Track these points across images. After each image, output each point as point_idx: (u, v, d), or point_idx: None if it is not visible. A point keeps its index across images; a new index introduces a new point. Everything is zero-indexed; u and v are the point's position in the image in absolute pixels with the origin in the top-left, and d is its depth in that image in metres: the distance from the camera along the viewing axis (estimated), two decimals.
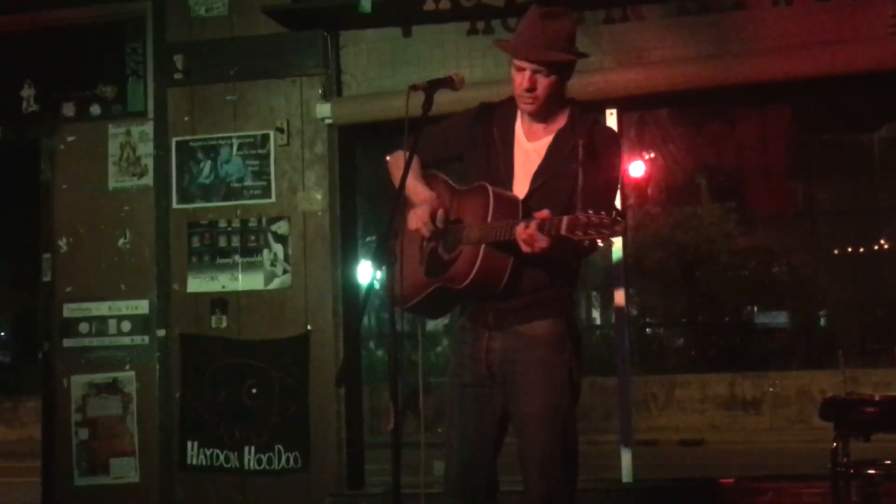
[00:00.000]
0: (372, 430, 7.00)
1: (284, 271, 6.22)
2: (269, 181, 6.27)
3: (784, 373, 14.13)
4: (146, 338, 6.37)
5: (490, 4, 5.78)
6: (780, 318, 18.18)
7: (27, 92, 6.62)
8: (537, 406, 3.43)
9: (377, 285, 3.30)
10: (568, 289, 3.55)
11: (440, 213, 3.51)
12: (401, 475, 3.17)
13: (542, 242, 3.10)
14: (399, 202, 3.44)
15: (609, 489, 5.87)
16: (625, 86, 5.78)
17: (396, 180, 3.59)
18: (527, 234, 3.12)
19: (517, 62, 3.43)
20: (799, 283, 17.50)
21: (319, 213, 6.21)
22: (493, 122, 3.59)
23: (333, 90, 6.23)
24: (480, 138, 3.59)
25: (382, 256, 3.23)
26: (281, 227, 6.24)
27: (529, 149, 3.52)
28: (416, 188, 3.60)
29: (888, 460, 4.94)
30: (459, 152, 3.67)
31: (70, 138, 6.55)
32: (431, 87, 3.45)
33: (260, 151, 6.29)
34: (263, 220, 6.28)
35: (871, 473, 4.89)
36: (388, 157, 3.79)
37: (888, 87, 5.84)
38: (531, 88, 3.41)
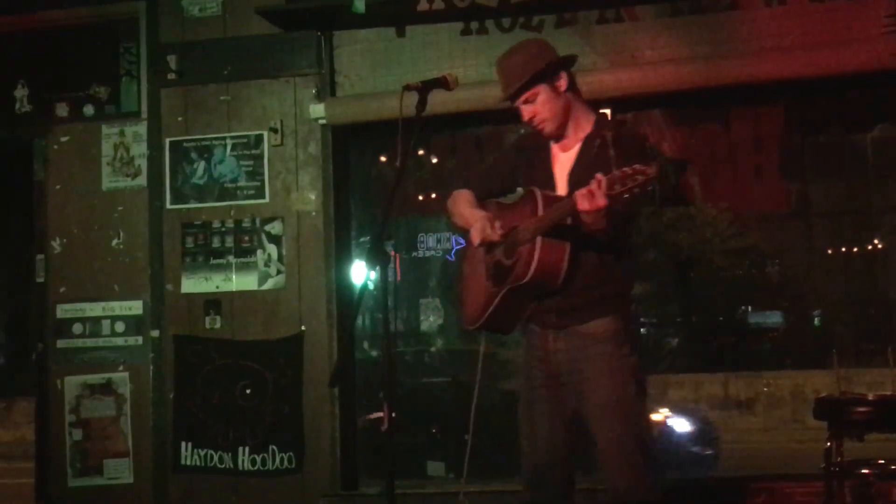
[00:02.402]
0: (366, 430, 6.98)
1: (278, 272, 6.21)
2: (262, 181, 6.27)
3: (778, 372, 14.16)
4: (140, 338, 6.36)
5: (484, 5, 5.77)
6: (774, 318, 18.19)
7: (20, 92, 6.61)
8: (604, 398, 3.54)
9: (371, 286, 3.32)
10: (624, 287, 3.70)
11: (497, 222, 3.63)
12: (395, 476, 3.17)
13: (601, 200, 3.19)
14: (393, 203, 3.45)
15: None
16: (618, 86, 5.77)
17: (455, 215, 3.89)
18: (587, 190, 3.23)
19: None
20: (792, 283, 17.54)
21: (313, 214, 6.21)
22: (533, 147, 3.81)
23: (327, 90, 6.23)
24: (525, 164, 3.82)
25: (376, 257, 3.24)
26: (275, 228, 6.24)
27: (564, 158, 3.71)
28: (471, 213, 3.80)
29: (882, 460, 4.94)
30: (509, 183, 3.90)
31: (63, 139, 6.54)
32: (425, 87, 3.53)
33: (254, 152, 6.29)
34: (257, 221, 6.27)
35: (865, 473, 4.88)
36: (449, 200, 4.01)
37: (882, 88, 5.84)
38: (531, 118, 3.67)
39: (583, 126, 3.70)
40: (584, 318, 3.59)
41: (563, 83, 3.66)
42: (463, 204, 3.87)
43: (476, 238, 3.69)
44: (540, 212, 3.50)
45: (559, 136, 3.71)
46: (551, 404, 3.66)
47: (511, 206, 3.75)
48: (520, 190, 3.85)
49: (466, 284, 3.91)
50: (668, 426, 9.15)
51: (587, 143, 3.66)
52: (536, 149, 3.79)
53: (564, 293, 3.54)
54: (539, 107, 3.64)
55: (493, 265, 3.71)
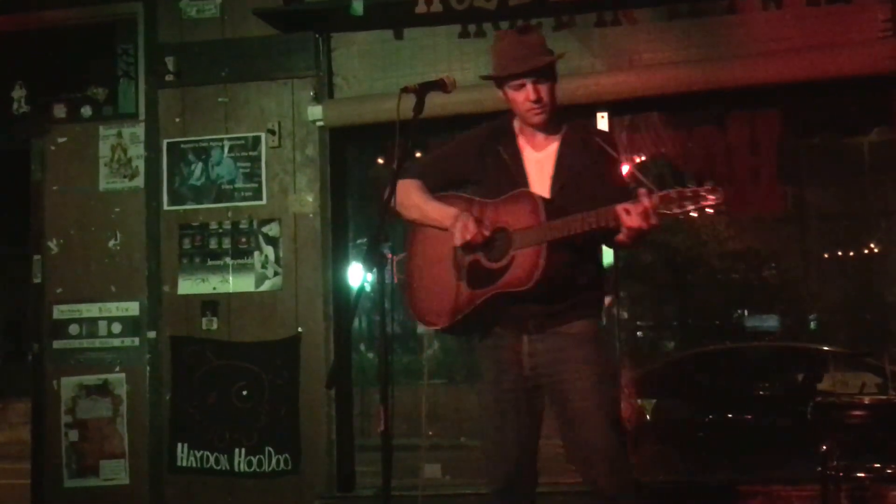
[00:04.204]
0: (362, 432, 6.99)
1: (275, 273, 6.21)
2: (260, 183, 6.27)
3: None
4: (136, 339, 6.36)
5: (482, 7, 5.78)
6: (770, 322, 18.20)
7: (18, 93, 6.61)
8: (593, 401, 3.51)
9: (368, 288, 3.31)
10: (601, 292, 3.73)
11: (482, 222, 3.55)
12: (391, 478, 3.18)
13: (654, 219, 3.21)
14: (389, 209, 3.44)
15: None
16: (616, 89, 5.78)
17: (411, 208, 3.70)
18: (642, 208, 3.20)
19: (515, 81, 3.56)
20: (789, 287, 17.56)
21: (310, 216, 6.21)
22: (495, 142, 3.69)
23: (325, 92, 6.23)
24: (488, 159, 3.68)
25: (373, 259, 3.24)
26: (272, 229, 6.24)
27: (539, 157, 3.64)
28: (438, 208, 3.68)
29: (877, 463, 4.95)
30: (467, 177, 3.75)
31: (61, 140, 6.54)
32: (423, 89, 3.50)
33: (251, 153, 6.29)
34: (254, 222, 6.27)
35: (861, 476, 4.90)
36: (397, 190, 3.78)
37: (879, 91, 5.85)
38: (538, 99, 3.55)
39: (555, 125, 3.65)
40: (564, 321, 3.55)
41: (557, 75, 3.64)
42: (419, 196, 3.71)
43: (460, 238, 3.53)
44: (541, 217, 3.41)
45: (544, 127, 3.62)
46: (522, 409, 3.61)
47: (494, 205, 3.59)
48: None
49: (422, 281, 3.73)
50: None
51: (565, 145, 3.61)
52: (504, 144, 3.67)
53: (544, 296, 3.47)
54: (546, 89, 3.55)
55: (469, 265, 3.59)
